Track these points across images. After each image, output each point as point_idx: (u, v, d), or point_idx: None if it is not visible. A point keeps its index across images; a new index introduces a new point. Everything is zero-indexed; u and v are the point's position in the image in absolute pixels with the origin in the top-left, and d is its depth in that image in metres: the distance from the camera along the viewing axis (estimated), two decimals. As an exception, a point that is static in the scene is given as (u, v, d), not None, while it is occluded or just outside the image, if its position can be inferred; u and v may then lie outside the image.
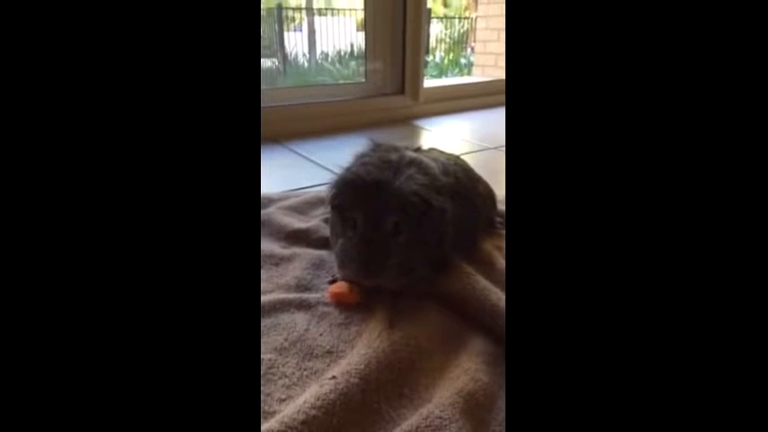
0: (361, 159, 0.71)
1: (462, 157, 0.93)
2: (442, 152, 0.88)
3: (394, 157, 0.69)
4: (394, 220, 0.62)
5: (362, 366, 0.52)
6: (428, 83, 2.11)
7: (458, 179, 0.76)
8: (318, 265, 0.78)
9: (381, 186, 0.62)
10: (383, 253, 0.61)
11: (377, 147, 0.76)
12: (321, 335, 0.61)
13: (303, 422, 0.45)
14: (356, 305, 0.65)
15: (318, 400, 0.47)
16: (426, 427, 0.44)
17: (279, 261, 0.78)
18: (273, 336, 0.61)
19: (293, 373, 0.54)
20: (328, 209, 0.98)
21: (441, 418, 0.45)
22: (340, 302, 0.65)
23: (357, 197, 0.63)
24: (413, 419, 0.45)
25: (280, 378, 0.53)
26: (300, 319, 0.64)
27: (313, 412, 0.46)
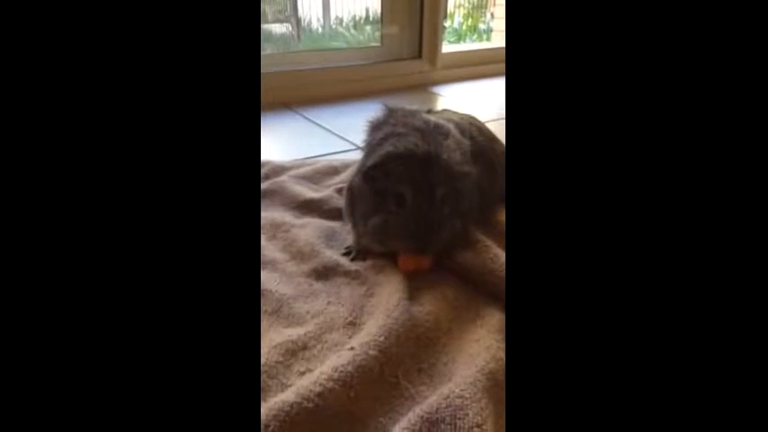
0: (383, 130, 0.68)
1: (485, 125, 0.89)
2: (455, 112, 0.85)
3: (420, 124, 0.66)
4: (442, 193, 0.61)
5: (381, 339, 0.51)
6: (446, 48, 2.04)
7: (474, 139, 0.74)
8: (330, 236, 0.76)
9: (432, 160, 0.61)
10: (435, 226, 0.60)
11: (391, 112, 0.73)
12: (342, 305, 0.60)
13: (319, 394, 0.44)
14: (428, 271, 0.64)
15: (335, 371, 0.46)
16: (447, 407, 0.42)
17: (290, 230, 0.77)
18: (295, 308, 0.60)
19: (314, 346, 0.53)
20: (341, 178, 0.97)
21: (462, 397, 0.43)
22: (415, 271, 0.64)
23: (406, 171, 0.61)
24: (433, 398, 0.44)
25: (300, 350, 0.52)
26: (320, 291, 0.63)
27: (330, 384, 0.45)
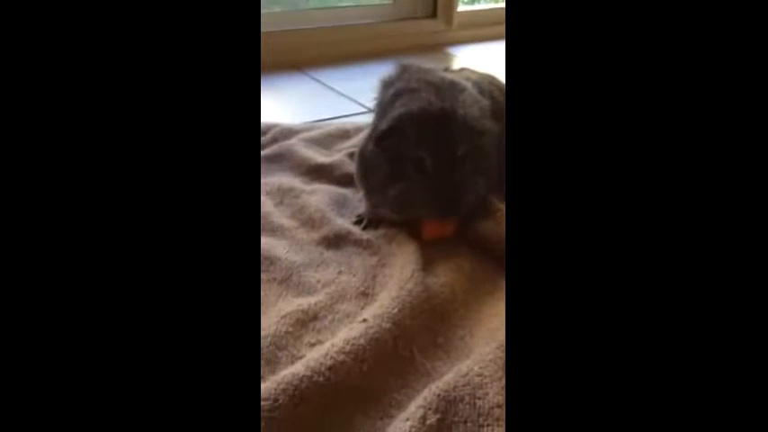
0: (395, 86, 0.64)
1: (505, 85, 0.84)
2: (473, 71, 0.81)
3: (434, 79, 0.61)
4: (463, 151, 0.57)
5: (395, 311, 0.48)
6: (462, 7, 1.94)
7: (494, 99, 0.70)
8: (342, 203, 0.73)
9: (449, 117, 0.57)
10: (459, 188, 0.57)
11: (404, 69, 0.68)
12: (354, 275, 0.57)
13: (330, 368, 0.42)
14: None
15: (348, 344, 0.44)
16: (465, 385, 0.40)
17: (299, 195, 0.73)
18: (306, 276, 0.57)
19: (325, 316, 0.51)
20: (352, 142, 0.93)
21: (481, 375, 0.41)
22: (439, 238, 0.62)
23: (421, 133, 0.57)
24: (450, 376, 0.42)
25: (311, 321, 0.50)
26: (331, 259, 0.61)
27: (341, 357, 0.43)
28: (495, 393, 0.40)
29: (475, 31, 1.89)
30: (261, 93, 1.27)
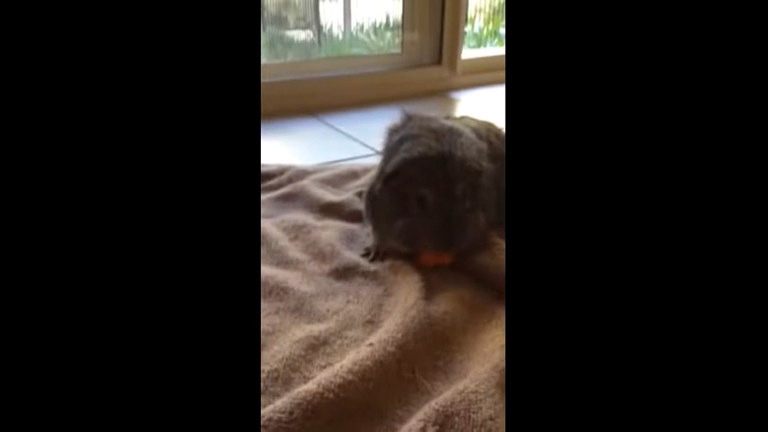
0: (400, 133, 0.71)
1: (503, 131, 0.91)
2: (472, 119, 0.88)
3: (435, 126, 0.69)
4: (462, 189, 0.63)
5: (399, 336, 0.53)
6: (466, 53, 2.05)
7: (491, 143, 0.76)
8: (350, 238, 0.79)
9: (447, 159, 0.63)
10: (460, 224, 0.63)
11: (409, 118, 0.75)
12: (361, 304, 0.62)
13: (339, 386, 0.47)
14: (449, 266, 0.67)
15: (355, 365, 0.49)
16: (461, 401, 0.44)
17: (311, 231, 0.80)
18: (316, 305, 0.62)
19: (334, 342, 0.56)
20: (361, 182, 1.00)
21: (476, 392, 0.45)
22: (435, 265, 0.68)
23: (424, 173, 0.63)
24: (448, 393, 0.46)
25: (321, 345, 0.55)
26: (340, 290, 0.66)
27: (350, 377, 0.48)
28: (488, 408, 0.44)
29: (478, 76, 1.98)
30: (277, 137, 1.36)
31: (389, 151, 0.71)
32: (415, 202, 0.64)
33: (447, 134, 0.67)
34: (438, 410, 0.44)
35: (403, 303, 0.59)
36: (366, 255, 0.74)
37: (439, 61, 1.87)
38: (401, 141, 0.68)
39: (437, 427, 0.42)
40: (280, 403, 0.44)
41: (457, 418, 0.43)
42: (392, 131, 0.75)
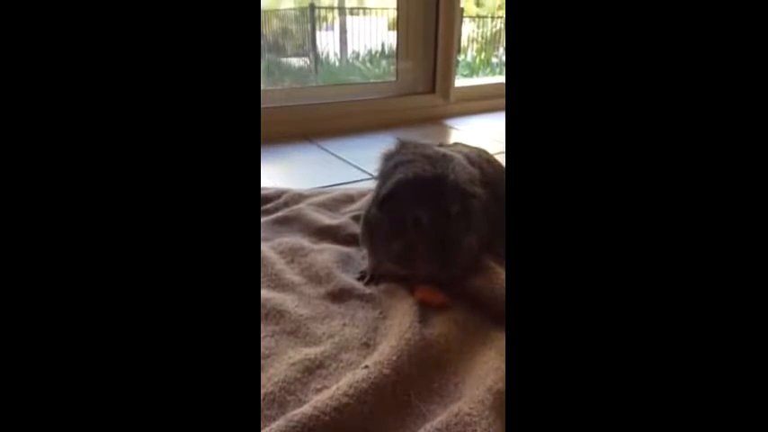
0: (394, 159, 0.73)
1: (494, 157, 0.93)
2: (465, 145, 0.90)
3: (429, 152, 0.71)
4: (456, 210, 0.64)
5: (394, 358, 0.53)
6: (459, 82, 2.10)
7: (483, 170, 0.78)
8: (346, 261, 0.80)
9: (441, 181, 0.65)
10: (455, 245, 0.64)
11: (403, 145, 0.77)
12: (357, 327, 0.63)
13: (335, 408, 0.47)
14: (441, 306, 0.65)
15: (351, 388, 0.49)
16: (456, 423, 0.45)
17: (308, 254, 0.80)
18: (313, 328, 0.63)
19: (330, 365, 0.56)
20: (356, 206, 1.01)
21: (470, 414, 0.46)
22: (427, 303, 0.66)
23: (417, 195, 0.65)
24: (443, 416, 0.46)
25: (317, 368, 0.55)
26: (336, 312, 0.66)
27: (345, 400, 0.48)
28: (483, 430, 0.44)
29: (471, 104, 2.03)
30: (274, 161, 1.38)
31: (384, 176, 0.72)
32: (410, 222, 0.65)
33: (441, 159, 0.69)
34: (433, 433, 0.44)
35: (398, 326, 0.60)
36: (362, 278, 0.75)
37: (432, 89, 1.92)
38: (396, 166, 0.70)
39: (433, 450, 0.42)
40: (275, 427, 0.44)
41: (452, 441, 0.43)
42: (387, 157, 0.77)
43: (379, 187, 0.72)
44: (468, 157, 0.77)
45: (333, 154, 1.47)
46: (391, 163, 0.72)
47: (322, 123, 1.68)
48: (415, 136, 0.83)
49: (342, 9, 2.28)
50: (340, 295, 0.70)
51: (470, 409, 0.46)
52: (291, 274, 0.76)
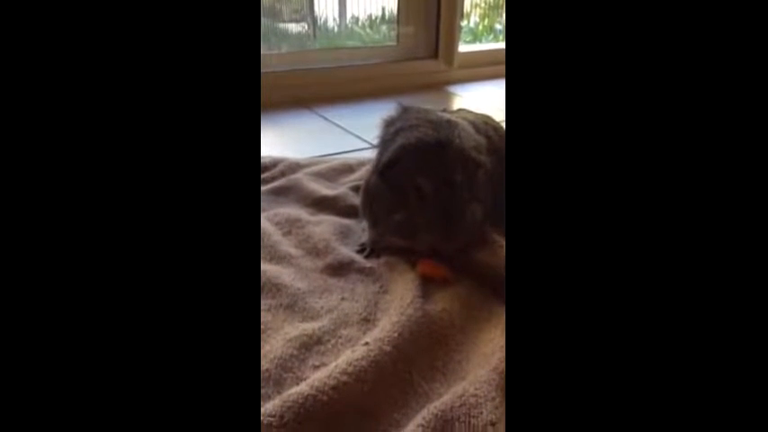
0: (396, 125, 0.69)
1: (501, 125, 0.89)
2: (470, 111, 0.86)
3: (432, 117, 0.67)
4: (460, 179, 0.61)
5: (395, 335, 0.51)
6: (463, 47, 2.03)
7: (489, 137, 0.74)
8: (345, 233, 0.77)
9: (445, 147, 0.61)
10: (458, 214, 0.60)
11: (405, 110, 0.73)
12: (357, 302, 0.60)
13: (333, 387, 0.45)
14: (444, 280, 0.63)
15: (350, 365, 0.47)
16: (461, 405, 0.43)
17: (305, 226, 0.77)
18: (310, 302, 0.60)
19: (328, 341, 0.54)
20: (356, 176, 0.97)
21: (476, 396, 0.43)
22: (430, 277, 0.63)
23: (420, 162, 0.61)
24: (447, 397, 0.44)
25: (315, 344, 0.53)
26: (334, 286, 0.64)
27: (344, 378, 0.46)
28: (489, 413, 0.42)
29: (475, 70, 1.97)
30: (270, 129, 1.33)
31: (385, 143, 0.68)
32: (412, 193, 0.62)
33: (445, 125, 0.65)
34: (437, 415, 0.42)
35: (399, 301, 0.57)
36: (361, 251, 0.72)
37: (435, 54, 1.86)
38: (397, 132, 0.66)
39: (436, 433, 0.40)
40: (270, 406, 0.42)
41: (457, 423, 0.41)
42: (388, 123, 0.73)
43: (380, 154, 0.69)
44: (473, 124, 0.73)
45: (331, 121, 1.42)
46: (392, 129, 0.68)
47: (320, 89, 1.63)
48: (416, 102, 0.78)
49: (341, -30, 2.18)
50: (339, 268, 0.67)
51: (476, 389, 0.44)
52: (288, 246, 0.73)
